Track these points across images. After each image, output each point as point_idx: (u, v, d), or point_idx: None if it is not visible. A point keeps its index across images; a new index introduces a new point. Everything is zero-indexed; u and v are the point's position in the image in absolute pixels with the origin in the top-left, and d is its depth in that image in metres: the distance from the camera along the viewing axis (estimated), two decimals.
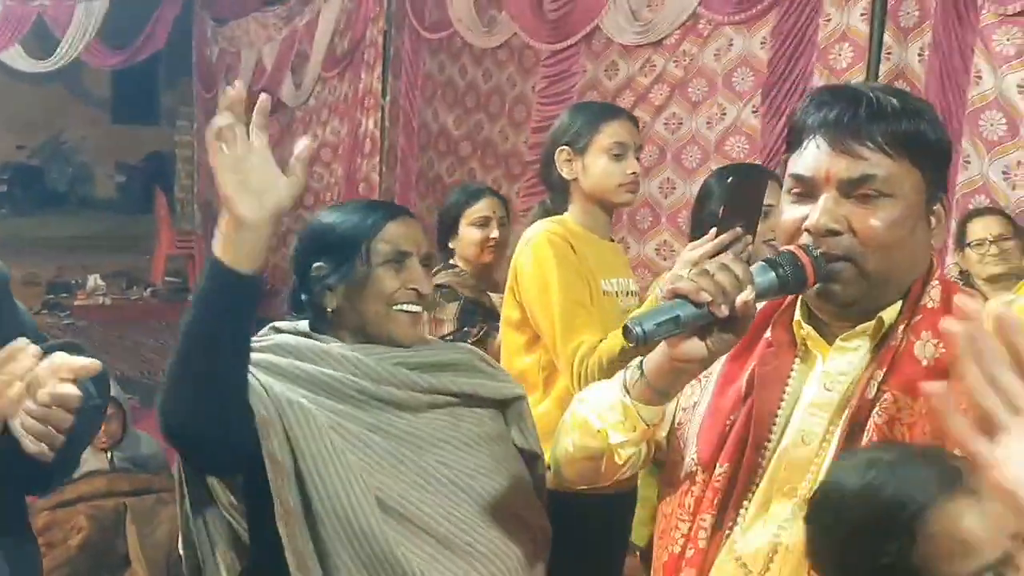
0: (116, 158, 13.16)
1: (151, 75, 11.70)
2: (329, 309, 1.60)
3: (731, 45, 4.37)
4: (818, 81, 4.03)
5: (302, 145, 1.33)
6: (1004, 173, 3.51)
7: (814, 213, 1.19)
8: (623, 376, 1.28)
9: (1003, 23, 3.43)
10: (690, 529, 1.24)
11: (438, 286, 3.07)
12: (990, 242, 2.90)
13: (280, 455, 1.43)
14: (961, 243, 2.97)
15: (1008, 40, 3.42)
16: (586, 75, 5.04)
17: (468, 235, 3.07)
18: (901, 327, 1.20)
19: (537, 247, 2.30)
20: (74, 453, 1.52)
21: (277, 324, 1.66)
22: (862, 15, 3.84)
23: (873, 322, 1.22)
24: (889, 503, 1.02)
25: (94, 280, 8.02)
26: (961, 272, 3.00)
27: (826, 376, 1.23)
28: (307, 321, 1.65)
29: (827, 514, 1.08)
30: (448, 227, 3.14)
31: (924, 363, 1.17)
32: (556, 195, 2.44)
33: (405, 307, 1.60)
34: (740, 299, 1.13)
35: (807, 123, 1.21)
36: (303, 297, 1.64)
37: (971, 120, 3.59)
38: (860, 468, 1.07)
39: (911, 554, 1.00)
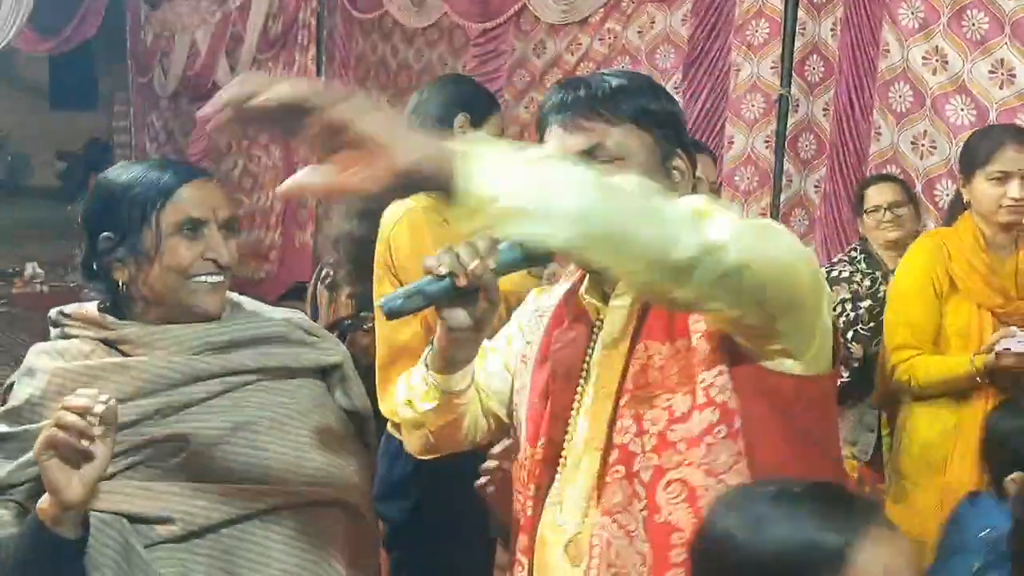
0: (55, 145, 12.93)
1: (88, 60, 11.51)
2: (120, 283, 1.48)
3: (653, 23, 4.44)
4: (736, 57, 4.12)
5: (102, 403, 1.27)
6: (912, 143, 3.62)
7: None
8: (426, 351, 1.38)
9: None
10: (523, 500, 1.35)
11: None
12: (885, 209, 3.00)
13: None
14: (859, 210, 3.07)
15: (912, 14, 3.53)
16: (515, 54, 5.09)
17: None
18: None
19: (412, 222, 2.26)
20: None
21: (66, 310, 1.54)
22: None
23: None
24: (797, 543, 0.98)
25: (32, 268, 7.92)
26: (860, 237, 3.09)
27: (605, 335, 1.32)
28: (95, 304, 1.53)
29: (715, 555, 1.04)
30: None
31: None
32: None
33: (203, 278, 1.46)
34: (469, 268, 1.19)
35: (544, 114, 1.33)
36: (94, 267, 1.51)
37: (881, 92, 3.70)
38: (743, 506, 1.04)
39: None
